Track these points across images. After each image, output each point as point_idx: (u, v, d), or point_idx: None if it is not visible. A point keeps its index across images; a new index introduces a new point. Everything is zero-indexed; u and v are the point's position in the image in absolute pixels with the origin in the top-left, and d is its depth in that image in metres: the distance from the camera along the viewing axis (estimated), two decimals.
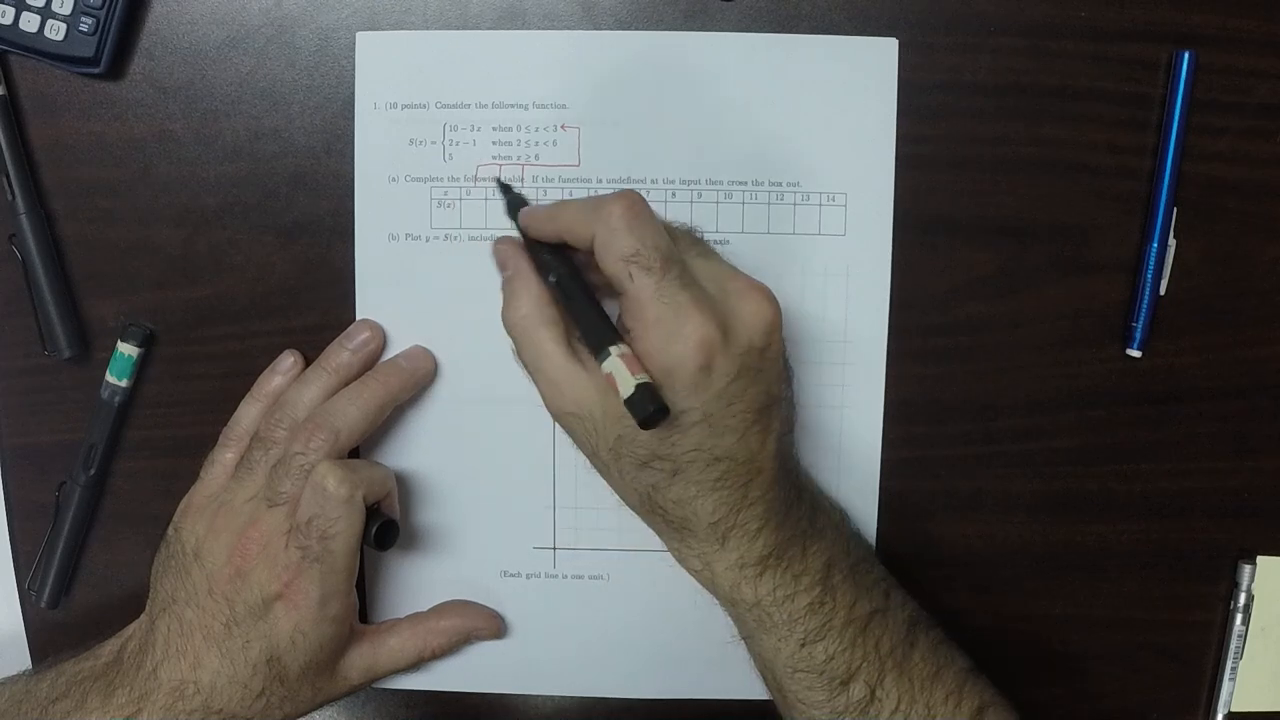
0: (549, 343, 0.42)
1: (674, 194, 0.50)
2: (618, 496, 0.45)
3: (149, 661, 0.46)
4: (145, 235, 0.51)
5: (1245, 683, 0.53)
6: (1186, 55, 0.49)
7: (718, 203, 0.50)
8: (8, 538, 0.53)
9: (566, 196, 0.50)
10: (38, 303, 0.51)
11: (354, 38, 0.50)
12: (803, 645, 0.44)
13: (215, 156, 0.51)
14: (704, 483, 0.42)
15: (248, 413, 0.50)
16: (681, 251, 0.42)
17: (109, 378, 0.51)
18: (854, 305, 0.51)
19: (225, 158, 0.51)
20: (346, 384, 0.49)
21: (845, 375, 0.51)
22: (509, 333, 0.44)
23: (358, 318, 0.51)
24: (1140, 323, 0.51)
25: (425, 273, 0.50)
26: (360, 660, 0.49)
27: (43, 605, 0.53)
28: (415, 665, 0.51)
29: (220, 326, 0.52)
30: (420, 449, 0.52)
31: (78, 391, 0.52)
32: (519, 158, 0.50)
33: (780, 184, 0.50)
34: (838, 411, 0.51)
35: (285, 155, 0.51)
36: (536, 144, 0.50)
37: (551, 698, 0.54)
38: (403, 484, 0.51)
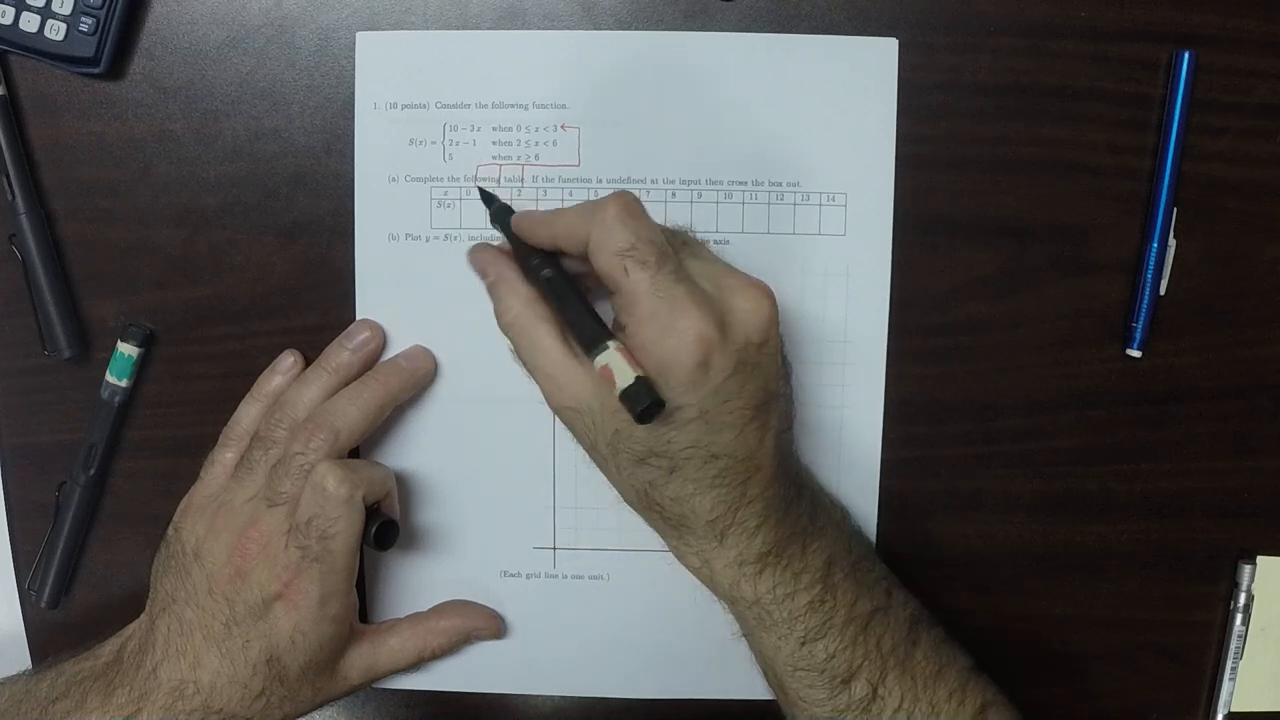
0: (546, 339, 0.42)
1: (674, 194, 0.50)
2: (617, 493, 0.45)
3: (149, 661, 0.46)
4: (145, 235, 0.51)
5: (1245, 683, 0.53)
6: (1186, 55, 0.49)
7: (718, 203, 0.50)
8: (8, 538, 0.53)
9: (567, 196, 0.50)
10: (38, 303, 0.51)
11: (354, 38, 0.50)
12: (803, 644, 0.44)
13: (215, 156, 0.51)
14: (701, 480, 0.42)
15: (248, 413, 0.50)
16: (676, 250, 0.42)
17: (109, 378, 0.51)
18: (854, 305, 0.51)
19: (225, 158, 0.51)
20: (346, 384, 0.49)
21: (845, 375, 0.51)
22: (505, 334, 0.44)
23: (358, 318, 0.51)
24: (1140, 323, 0.51)
25: (425, 273, 0.50)
26: (360, 660, 0.49)
27: (43, 605, 0.53)
28: (415, 665, 0.51)
29: (220, 326, 0.52)
30: (420, 449, 0.52)
31: (78, 391, 0.52)
32: (519, 158, 0.50)
33: (780, 184, 0.50)
34: (838, 411, 0.51)
35: (285, 155, 0.51)
36: (536, 144, 0.50)
37: (551, 698, 0.54)
38: (403, 484, 0.51)
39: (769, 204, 0.50)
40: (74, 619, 0.54)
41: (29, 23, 0.48)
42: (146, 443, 0.53)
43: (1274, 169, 0.50)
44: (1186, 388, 0.52)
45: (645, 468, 0.42)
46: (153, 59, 0.50)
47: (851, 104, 0.50)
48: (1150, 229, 0.50)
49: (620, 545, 0.52)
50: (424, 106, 0.50)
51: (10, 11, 0.48)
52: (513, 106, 0.50)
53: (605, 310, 0.43)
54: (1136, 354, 0.51)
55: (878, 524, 0.52)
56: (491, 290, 0.45)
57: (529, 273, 0.44)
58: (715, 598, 0.46)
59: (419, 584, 0.53)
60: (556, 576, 0.53)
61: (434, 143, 0.50)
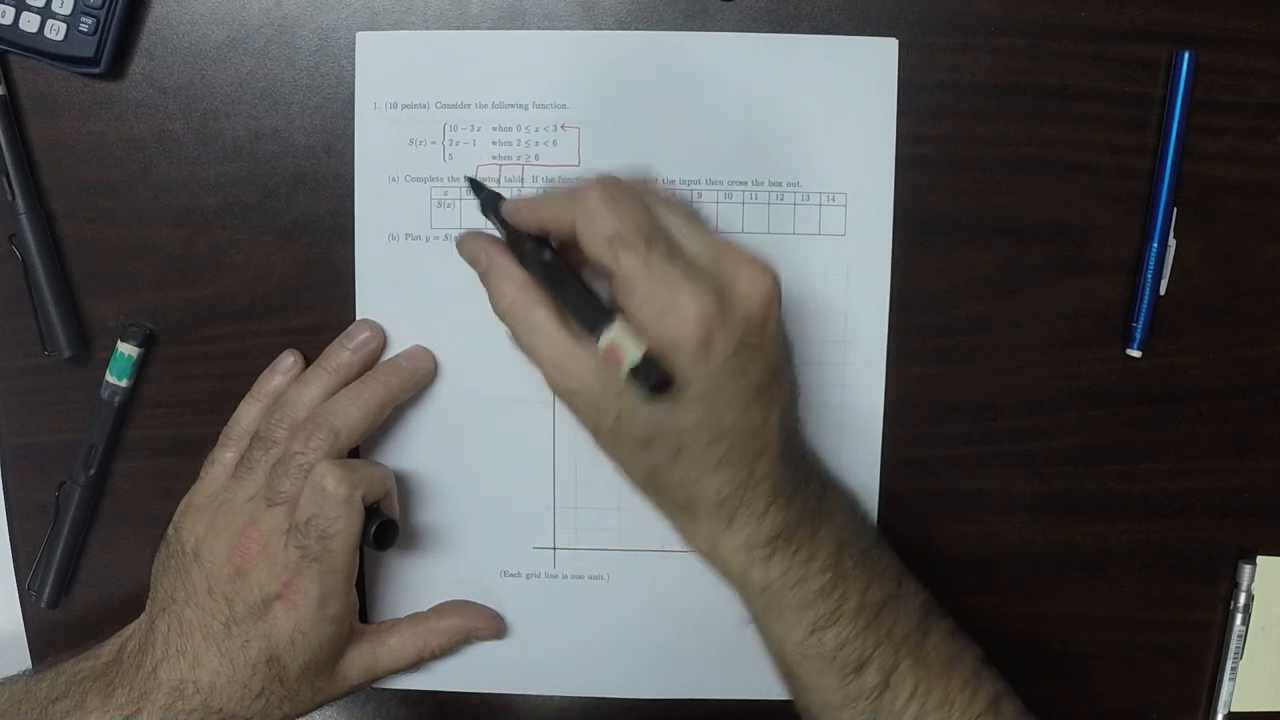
0: (544, 321, 0.42)
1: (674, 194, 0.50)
2: (622, 477, 0.44)
3: (148, 661, 0.46)
4: (145, 235, 0.51)
5: (1245, 683, 0.53)
6: (1186, 55, 0.49)
7: (718, 203, 0.50)
8: (8, 538, 0.53)
9: None
10: (38, 303, 0.51)
11: (354, 38, 0.50)
12: (813, 631, 0.44)
13: (215, 156, 0.51)
14: (707, 462, 0.42)
15: (248, 412, 0.50)
16: (674, 224, 0.41)
17: (109, 378, 0.51)
18: (854, 305, 0.51)
19: (225, 158, 0.51)
20: (346, 384, 0.49)
21: (845, 375, 0.51)
22: (502, 320, 0.43)
23: (358, 318, 0.51)
24: (1140, 323, 0.51)
25: (425, 273, 0.50)
26: (360, 660, 0.49)
27: (43, 605, 0.53)
28: (415, 665, 0.51)
29: (220, 326, 0.52)
30: (420, 449, 0.52)
31: (78, 391, 0.52)
32: (519, 158, 0.50)
33: (780, 184, 0.50)
34: (838, 411, 0.51)
35: (285, 155, 0.51)
36: (536, 144, 0.50)
37: (551, 698, 0.54)
38: (403, 484, 0.51)
39: (769, 204, 0.50)
40: (74, 619, 0.54)
41: (29, 23, 0.48)
42: (146, 443, 0.53)
43: (1274, 169, 0.51)
44: (1186, 388, 0.52)
45: (650, 450, 0.42)
46: (153, 59, 0.50)
47: (851, 104, 0.50)
48: (1150, 229, 0.50)
49: (620, 545, 0.52)
50: (424, 106, 0.50)
51: (10, 11, 0.48)
52: (513, 106, 0.50)
53: (603, 293, 0.42)
54: (1136, 354, 0.51)
55: (878, 524, 0.52)
56: (485, 278, 0.44)
57: (523, 259, 0.43)
58: (720, 594, 0.45)
59: (419, 584, 0.53)
60: (556, 576, 0.53)
61: (434, 143, 0.50)
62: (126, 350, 0.51)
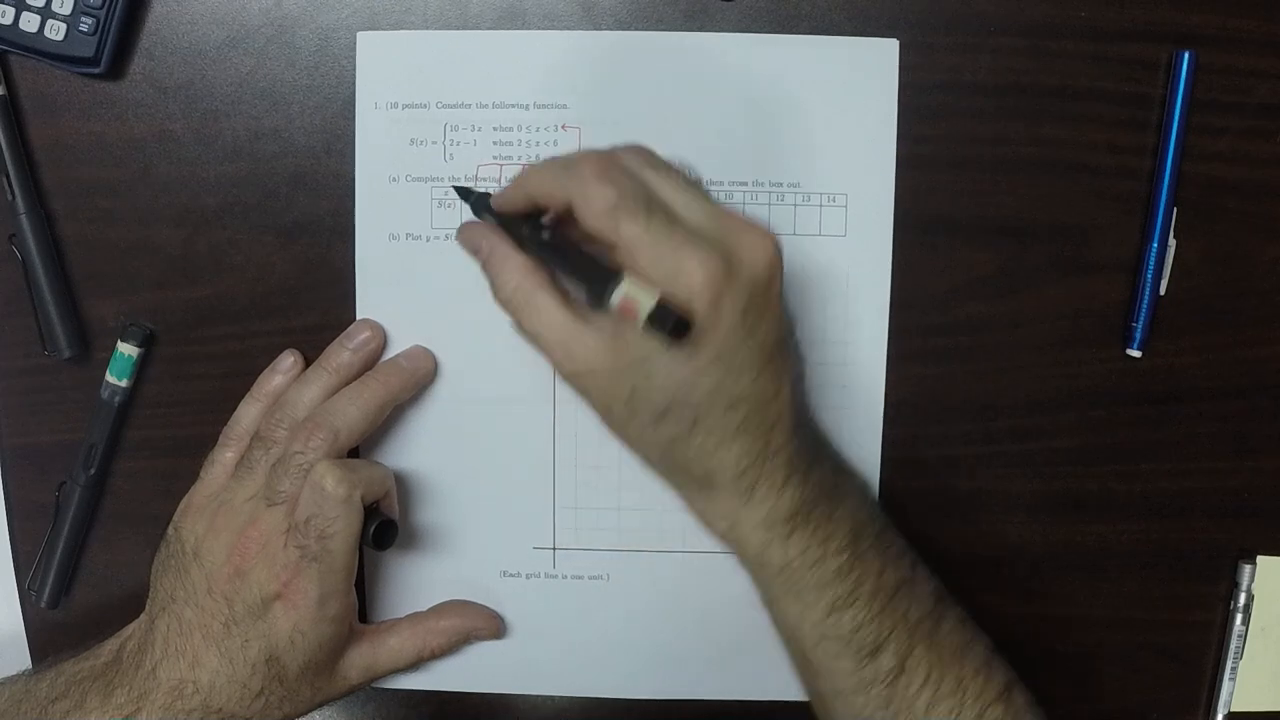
0: (548, 304, 0.41)
1: None
2: (636, 458, 0.44)
3: (148, 661, 0.46)
4: (145, 235, 0.51)
5: (1245, 683, 0.53)
6: (1186, 55, 0.49)
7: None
8: (8, 538, 0.53)
9: None
10: (38, 303, 0.51)
11: (354, 38, 0.50)
12: (830, 613, 0.43)
13: (215, 156, 0.51)
14: (725, 430, 0.41)
15: (248, 412, 0.50)
16: (672, 192, 0.41)
17: (109, 378, 0.51)
18: (854, 306, 0.51)
19: (225, 158, 0.51)
20: (347, 384, 0.49)
21: (845, 375, 0.51)
22: (504, 308, 0.43)
23: (358, 318, 0.51)
24: (1140, 323, 0.51)
25: (425, 273, 0.50)
26: (359, 660, 0.49)
27: (43, 605, 0.53)
28: (415, 665, 0.51)
29: (220, 326, 0.52)
30: (420, 449, 0.52)
31: (78, 391, 0.52)
32: (519, 158, 0.50)
33: (780, 184, 0.50)
34: (838, 412, 0.51)
35: (285, 155, 0.51)
36: (536, 144, 0.50)
37: (551, 698, 0.54)
38: (403, 484, 0.51)
39: (769, 204, 0.50)
40: (74, 619, 0.54)
41: (29, 23, 0.48)
42: (146, 443, 0.53)
43: (1274, 169, 0.51)
44: (1186, 388, 0.52)
45: (666, 423, 0.41)
46: (153, 59, 0.50)
47: (852, 104, 0.50)
48: (1150, 229, 0.50)
49: (620, 545, 0.52)
50: (424, 106, 0.50)
51: (10, 11, 0.48)
52: (513, 106, 0.50)
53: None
54: (1136, 354, 0.51)
55: None
56: (486, 266, 0.44)
57: (522, 243, 0.43)
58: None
59: (419, 584, 0.53)
60: (556, 576, 0.53)
61: (434, 143, 0.50)
62: (126, 350, 0.51)
